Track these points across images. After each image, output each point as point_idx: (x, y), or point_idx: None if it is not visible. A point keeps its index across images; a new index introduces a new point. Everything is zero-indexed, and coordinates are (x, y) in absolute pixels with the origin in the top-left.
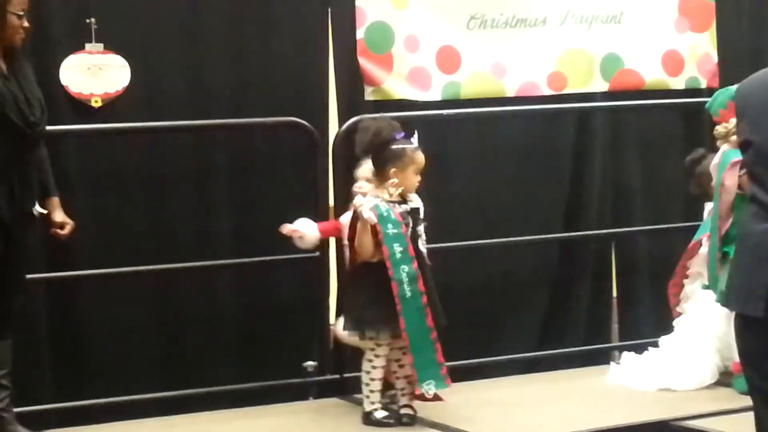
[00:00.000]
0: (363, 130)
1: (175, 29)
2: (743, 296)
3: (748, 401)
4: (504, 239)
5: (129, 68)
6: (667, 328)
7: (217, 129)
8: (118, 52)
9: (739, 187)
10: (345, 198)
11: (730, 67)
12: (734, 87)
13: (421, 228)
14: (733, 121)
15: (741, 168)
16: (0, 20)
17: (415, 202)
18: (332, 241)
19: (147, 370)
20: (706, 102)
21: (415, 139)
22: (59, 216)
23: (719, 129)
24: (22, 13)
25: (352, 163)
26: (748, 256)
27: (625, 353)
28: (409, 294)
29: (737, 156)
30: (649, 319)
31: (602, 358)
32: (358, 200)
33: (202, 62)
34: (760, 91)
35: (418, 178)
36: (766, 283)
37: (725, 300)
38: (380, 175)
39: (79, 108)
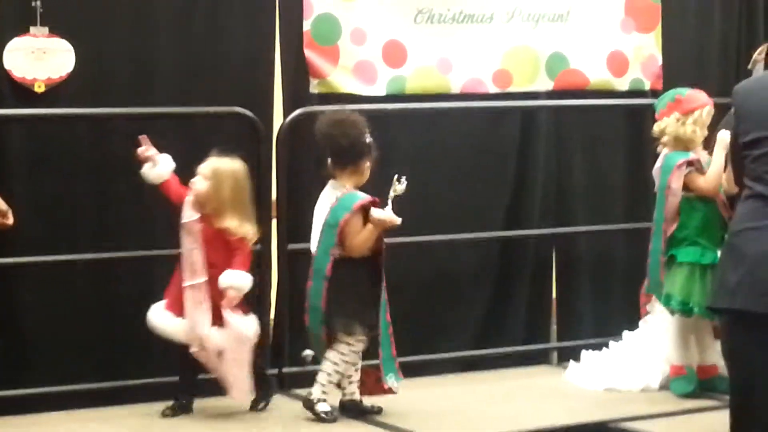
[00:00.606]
0: (338, 120)
1: (122, 14)
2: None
3: (684, 404)
4: (446, 236)
5: (74, 53)
6: (607, 328)
7: (161, 117)
8: (63, 36)
9: (685, 187)
10: (288, 189)
11: (675, 69)
12: (681, 89)
13: None
14: (667, 120)
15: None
16: None
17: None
18: (274, 237)
19: (84, 359)
20: (650, 104)
21: None
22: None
23: (655, 129)
24: None
25: (296, 155)
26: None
27: (584, 351)
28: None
29: (681, 158)
30: (588, 319)
31: (541, 357)
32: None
33: (149, 49)
34: (759, 92)
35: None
36: None
37: (714, 298)
38: (350, 168)
39: (22, 92)
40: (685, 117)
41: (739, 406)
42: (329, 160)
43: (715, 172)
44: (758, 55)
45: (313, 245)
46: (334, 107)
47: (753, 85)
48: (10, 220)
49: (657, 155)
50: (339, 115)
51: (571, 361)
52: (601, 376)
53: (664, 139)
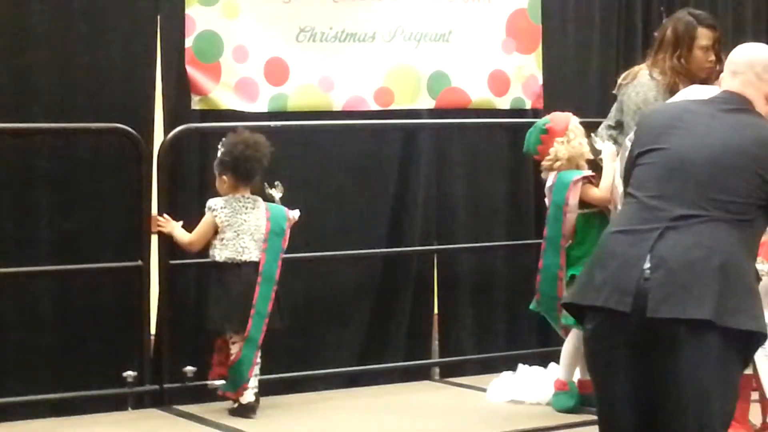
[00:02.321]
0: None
1: (1, 29)
2: (610, 290)
3: (564, 419)
4: (327, 253)
5: None
6: (488, 344)
7: (41, 133)
8: None
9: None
10: (169, 205)
11: (555, 89)
12: (541, 120)
13: None
14: (553, 148)
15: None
16: None
17: None
18: (155, 249)
19: (44, 370)
20: (530, 122)
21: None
22: None
23: (545, 164)
24: None
25: (177, 171)
26: (621, 254)
27: (520, 365)
28: None
29: (576, 174)
30: (470, 335)
31: (423, 373)
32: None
33: (28, 64)
34: (661, 112)
35: None
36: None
37: (579, 295)
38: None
39: None
40: (566, 136)
41: (605, 416)
42: (235, 175)
43: (608, 180)
44: (622, 80)
45: (249, 254)
46: (216, 125)
47: (658, 107)
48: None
49: (539, 174)
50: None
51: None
52: (511, 389)
53: (558, 164)
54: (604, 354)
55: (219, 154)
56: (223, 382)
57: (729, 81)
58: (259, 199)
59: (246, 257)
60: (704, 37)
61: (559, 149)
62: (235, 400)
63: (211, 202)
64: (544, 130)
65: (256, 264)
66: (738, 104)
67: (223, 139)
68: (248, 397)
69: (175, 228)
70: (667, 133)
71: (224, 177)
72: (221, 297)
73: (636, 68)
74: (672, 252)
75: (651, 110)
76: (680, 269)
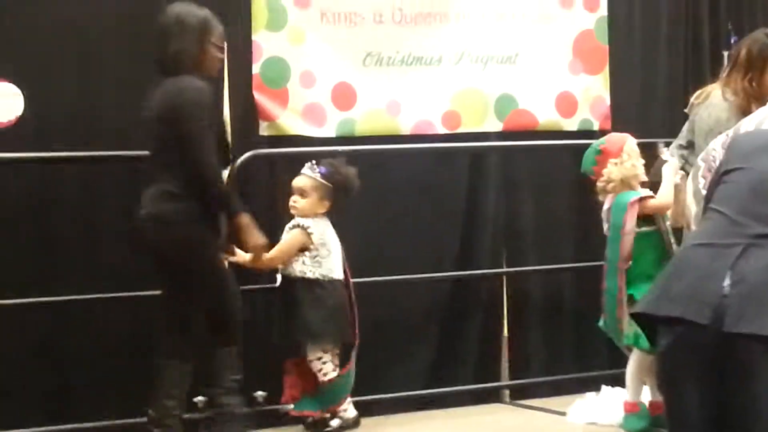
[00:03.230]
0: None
1: (69, 58)
2: (687, 302)
3: None
4: (396, 276)
5: (22, 97)
6: (557, 366)
7: (108, 160)
8: (10, 80)
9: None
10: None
11: (622, 110)
12: (596, 141)
13: None
14: (607, 170)
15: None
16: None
17: None
18: None
19: (32, 404)
20: None
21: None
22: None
23: (600, 185)
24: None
25: (248, 196)
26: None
27: (604, 387)
28: None
29: (633, 196)
30: (540, 358)
31: (493, 396)
32: None
33: (95, 93)
34: (751, 135)
35: (292, 200)
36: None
37: (653, 305)
38: None
39: None
40: (620, 158)
41: None
42: (333, 201)
43: (667, 189)
44: (695, 99)
45: (339, 272)
46: (285, 150)
47: (747, 134)
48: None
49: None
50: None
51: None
52: (590, 411)
53: (611, 186)
54: (677, 371)
55: (323, 176)
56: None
57: None
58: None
59: (336, 275)
60: None
61: (612, 170)
62: (322, 419)
63: (303, 222)
64: (599, 151)
65: (341, 281)
66: None
67: (313, 161)
68: (351, 411)
69: (243, 255)
70: (758, 155)
71: (326, 202)
72: (323, 313)
73: (709, 88)
74: (753, 269)
75: (745, 133)
76: (761, 286)
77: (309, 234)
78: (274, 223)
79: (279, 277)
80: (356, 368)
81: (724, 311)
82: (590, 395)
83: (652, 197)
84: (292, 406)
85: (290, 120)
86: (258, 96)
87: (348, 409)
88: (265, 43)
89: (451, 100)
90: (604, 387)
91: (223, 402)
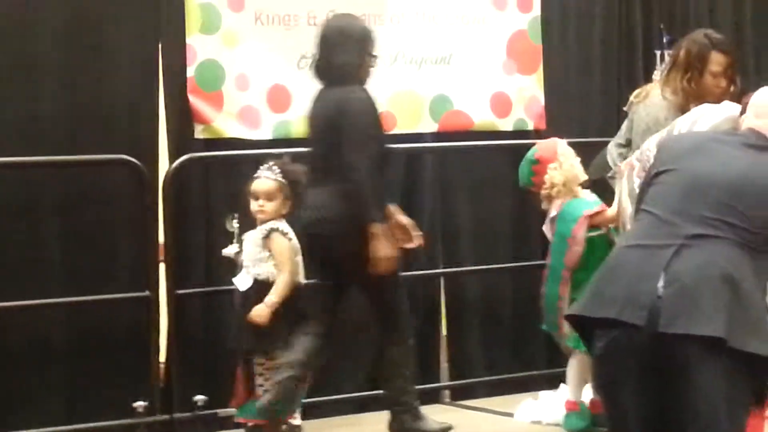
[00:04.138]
0: None
1: (6, 61)
2: (623, 304)
3: None
4: None
5: None
6: (497, 366)
7: (46, 166)
8: None
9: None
10: (175, 235)
11: (557, 110)
12: (529, 152)
13: None
14: (548, 176)
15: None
16: None
17: None
18: (162, 278)
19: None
20: (532, 143)
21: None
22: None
23: (544, 192)
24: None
25: (182, 200)
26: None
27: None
28: None
29: (584, 207)
30: (478, 357)
31: (432, 396)
32: None
33: (32, 97)
34: (680, 139)
35: (254, 204)
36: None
37: (588, 307)
38: None
39: None
40: (557, 161)
41: None
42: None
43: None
44: (634, 98)
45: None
46: (219, 153)
47: (684, 133)
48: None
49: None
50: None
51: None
52: (534, 410)
53: (555, 191)
54: (614, 373)
55: (284, 176)
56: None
57: (752, 121)
58: None
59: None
60: (716, 62)
61: (553, 176)
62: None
63: (284, 227)
64: (535, 160)
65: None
66: (763, 142)
67: (269, 163)
68: (297, 419)
69: (268, 304)
70: (689, 157)
71: (288, 202)
72: (293, 319)
73: (648, 86)
74: (686, 269)
75: (676, 135)
76: (694, 286)
77: (289, 239)
78: (211, 226)
79: (250, 279)
80: None
81: (659, 312)
82: (543, 393)
83: (604, 211)
84: (235, 411)
85: (225, 123)
86: (193, 99)
87: (297, 418)
88: (199, 46)
89: (386, 102)
90: (562, 385)
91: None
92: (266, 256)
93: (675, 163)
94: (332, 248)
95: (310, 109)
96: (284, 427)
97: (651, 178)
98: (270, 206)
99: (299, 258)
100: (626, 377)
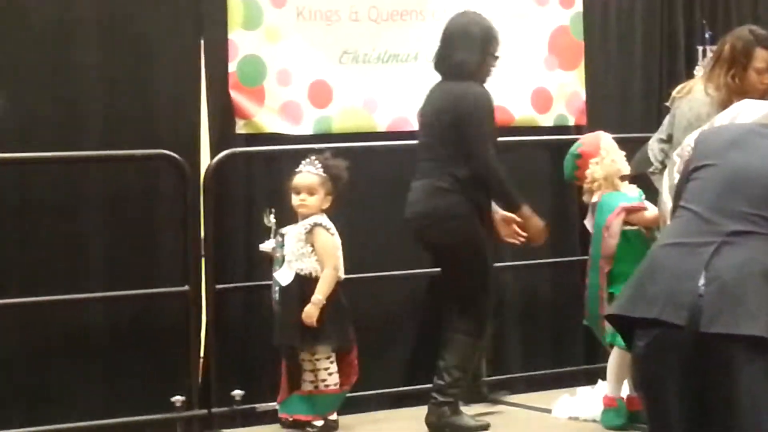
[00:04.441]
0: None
1: (47, 59)
2: (663, 303)
3: None
4: (373, 273)
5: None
6: (536, 362)
7: (88, 161)
8: None
9: (628, 223)
10: (216, 230)
11: (598, 105)
12: (573, 147)
13: None
14: (590, 170)
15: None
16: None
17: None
18: (203, 276)
19: (12, 403)
20: (573, 139)
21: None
22: None
23: (586, 187)
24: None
25: (223, 195)
26: (673, 268)
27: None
28: None
29: (621, 200)
30: (517, 353)
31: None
32: None
33: (75, 92)
34: (719, 133)
35: (295, 198)
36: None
37: (628, 306)
38: None
39: None
40: (599, 156)
41: None
42: (337, 197)
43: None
44: (677, 93)
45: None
46: (261, 148)
47: (722, 125)
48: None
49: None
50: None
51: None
52: (573, 406)
53: (596, 185)
54: (656, 372)
55: (326, 171)
56: (272, 405)
57: None
58: None
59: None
60: (761, 58)
61: (595, 170)
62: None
63: (327, 222)
64: (578, 155)
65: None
66: None
67: (311, 157)
68: (335, 414)
69: (315, 303)
70: (727, 151)
71: (329, 196)
72: (338, 316)
73: (691, 82)
74: (727, 267)
75: (715, 128)
76: (735, 285)
77: (332, 234)
78: (252, 221)
79: (291, 274)
80: None
81: (701, 311)
82: (581, 389)
83: (643, 209)
84: (277, 406)
85: (267, 118)
86: (234, 94)
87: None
88: (241, 42)
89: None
90: (600, 381)
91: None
92: (309, 251)
93: (713, 157)
94: (445, 235)
95: (425, 101)
96: (321, 423)
97: (689, 173)
98: (311, 200)
99: (341, 253)
100: (668, 376)
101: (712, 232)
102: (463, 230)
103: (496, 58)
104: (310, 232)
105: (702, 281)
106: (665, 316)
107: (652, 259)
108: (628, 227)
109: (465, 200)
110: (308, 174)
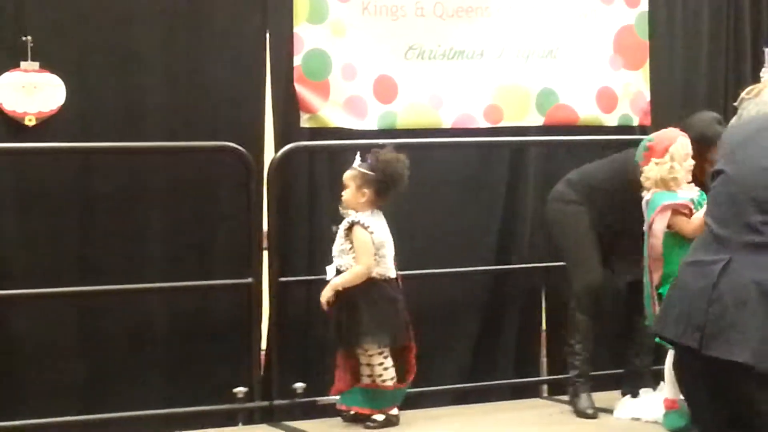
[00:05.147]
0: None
1: (112, 50)
2: (685, 325)
3: None
4: (435, 270)
5: (64, 88)
6: (596, 361)
7: (150, 152)
8: (53, 71)
9: (670, 226)
10: (279, 224)
11: (662, 106)
12: (648, 137)
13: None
14: (647, 168)
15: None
16: None
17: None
18: (265, 266)
19: (74, 391)
20: (638, 139)
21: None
22: None
23: (641, 180)
24: None
25: (287, 188)
26: (693, 288)
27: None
28: None
29: (667, 199)
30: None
31: (531, 391)
32: None
33: (138, 83)
34: (737, 130)
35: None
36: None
37: (660, 326)
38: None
39: (12, 126)
40: (662, 159)
41: None
42: (378, 192)
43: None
44: (746, 94)
45: (393, 271)
46: (325, 143)
47: (738, 123)
48: None
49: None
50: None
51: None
52: (635, 407)
53: (648, 183)
54: (688, 381)
55: (361, 166)
56: (333, 398)
57: None
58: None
59: (392, 274)
60: None
61: (651, 169)
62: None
63: (364, 221)
64: (646, 147)
65: (395, 280)
66: None
67: (359, 152)
68: (395, 409)
69: (339, 283)
70: (737, 153)
71: (366, 191)
72: (377, 312)
73: (761, 84)
74: (730, 287)
75: (731, 127)
76: (735, 307)
77: (370, 233)
78: (314, 215)
79: (334, 270)
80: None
81: (705, 333)
82: (643, 391)
83: (683, 206)
84: (338, 398)
85: (331, 112)
86: (299, 88)
87: (395, 408)
88: (306, 36)
89: (493, 94)
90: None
91: (572, 363)
92: (348, 248)
93: (724, 162)
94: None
95: None
96: (383, 417)
97: (711, 180)
98: (346, 194)
99: (386, 251)
100: (699, 386)
101: (721, 248)
102: (557, 213)
103: None
104: (349, 229)
105: (708, 303)
106: (683, 338)
107: (678, 277)
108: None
109: (567, 190)
110: (350, 169)
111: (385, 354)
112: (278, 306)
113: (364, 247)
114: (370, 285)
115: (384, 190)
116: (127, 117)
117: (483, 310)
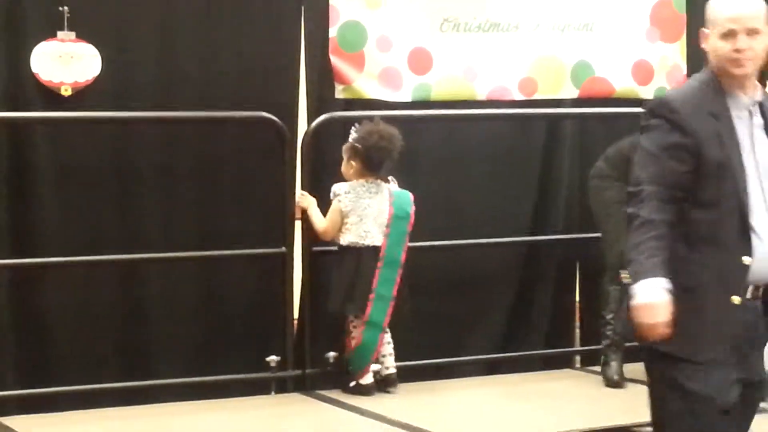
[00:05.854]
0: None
1: (148, 20)
2: None
3: None
4: (470, 240)
5: (100, 58)
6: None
7: (185, 121)
8: (89, 41)
9: None
10: (312, 193)
11: None
12: None
13: None
14: None
15: None
16: None
17: None
18: (298, 235)
19: (109, 359)
20: None
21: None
22: None
23: None
24: None
25: (320, 159)
26: None
27: None
28: None
29: None
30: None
31: (564, 361)
32: None
33: (174, 54)
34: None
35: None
36: None
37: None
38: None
39: (48, 96)
40: None
41: None
42: (364, 163)
43: None
44: None
45: (372, 239)
46: (360, 113)
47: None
48: None
49: None
50: (382, 127)
51: None
52: None
53: None
54: None
55: (351, 138)
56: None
57: None
58: (383, 184)
59: (368, 242)
60: None
61: None
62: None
63: (336, 188)
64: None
65: (377, 248)
66: None
67: (356, 125)
68: (368, 378)
69: (311, 205)
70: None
71: (353, 162)
72: (342, 280)
73: None
74: None
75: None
76: None
77: (339, 202)
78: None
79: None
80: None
81: None
82: None
83: None
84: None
85: (366, 84)
86: (334, 59)
87: (366, 377)
88: (342, 7)
89: (528, 67)
90: None
91: (604, 333)
92: None
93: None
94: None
95: None
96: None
97: None
98: (343, 166)
99: (355, 220)
100: None
101: None
102: (594, 190)
103: None
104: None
105: None
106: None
107: None
108: None
109: (605, 166)
110: None
111: (350, 320)
112: (310, 275)
113: (329, 214)
114: (343, 253)
115: (369, 162)
116: (162, 87)
117: (517, 282)
